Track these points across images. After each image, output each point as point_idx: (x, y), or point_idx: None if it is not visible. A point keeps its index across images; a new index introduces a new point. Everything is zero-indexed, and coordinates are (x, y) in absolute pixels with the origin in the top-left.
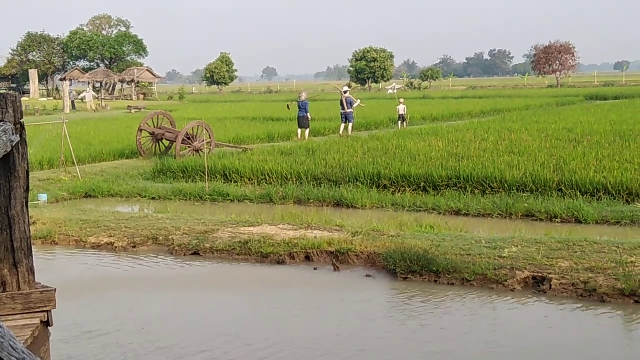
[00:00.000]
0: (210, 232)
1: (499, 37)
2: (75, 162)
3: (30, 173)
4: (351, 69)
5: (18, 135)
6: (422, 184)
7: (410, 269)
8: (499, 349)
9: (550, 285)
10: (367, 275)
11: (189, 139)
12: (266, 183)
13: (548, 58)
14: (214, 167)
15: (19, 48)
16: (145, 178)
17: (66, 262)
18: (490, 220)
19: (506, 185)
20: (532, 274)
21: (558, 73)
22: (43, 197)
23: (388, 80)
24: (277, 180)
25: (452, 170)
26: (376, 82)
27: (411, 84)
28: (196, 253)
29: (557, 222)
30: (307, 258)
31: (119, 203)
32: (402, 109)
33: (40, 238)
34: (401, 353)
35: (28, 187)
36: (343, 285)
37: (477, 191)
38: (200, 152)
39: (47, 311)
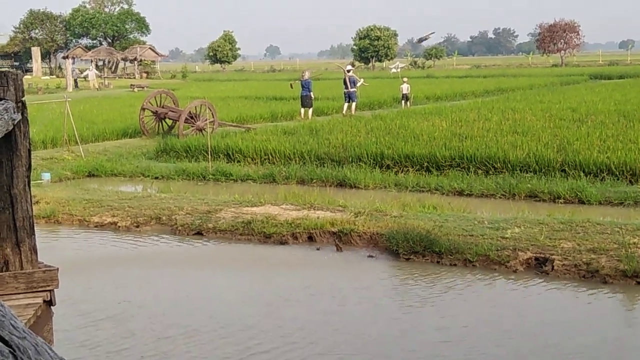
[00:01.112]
0: (213, 212)
1: (504, 15)
2: (78, 141)
3: (33, 152)
4: (354, 47)
5: (19, 114)
6: (425, 164)
7: (413, 249)
8: (505, 333)
9: (553, 267)
10: (370, 256)
11: (191, 118)
12: (269, 163)
13: (552, 37)
14: (217, 146)
15: (21, 26)
16: (148, 157)
17: (69, 242)
18: (493, 201)
19: (509, 166)
20: (534, 255)
21: (562, 52)
22: (46, 176)
23: (392, 59)
24: (280, 160)
25: (456, 150)
26: (380, 60)
27: (415, 62)
28: (199, 233)
29: (560, 202)
30: (310, 238)
31: (122, 182)
32: (405, 88)
33: (43, 217)
34: (407, 340)
35: (30, 165)
36: (346, 265)
37: (480, 171)
38: (203, 131)
39: (49, 290)
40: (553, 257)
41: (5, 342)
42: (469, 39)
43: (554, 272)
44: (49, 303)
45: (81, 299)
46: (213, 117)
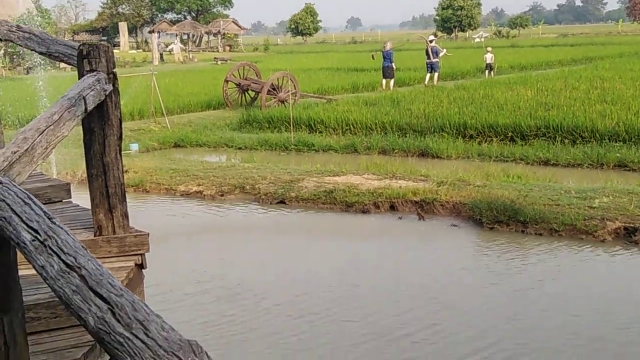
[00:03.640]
0: (296, 181)
1: None
2: (164, 112)
3: (122, 122)
4: (437, 17)
5: (111, 85)
6: (510, 133)
7: (497, 218)
8: (599, 304)
9: None
10: (453, 225)
11: (274, 89)
12: (350, 133)
13: None
14: (299, 117)
15: (109, 1)
16: (231, 128)
17: (158, 209)
18: (580, 171)
19: (597, 135)
20: (623, 224)
21: None
22: (134, 147)
23: (475, 28)
24: (362, 130)
25: (541, 120)
26: (463, 30)
27: (499, 32)
28: (282, 202)
29: None
30: (392, 207)
31: (206, 153)
32: (489, 57)
33: (132, 186)
34: (490, 311)
35: (121, 135)
36: (428, 234)
37: (566, 141)
38: (285, 102)
39: (141, 254)
40: None
41: (104, 299)
42: (556, 7)
43: None
44: (140, 267)
45: (169, 264)
46: (295, 88)
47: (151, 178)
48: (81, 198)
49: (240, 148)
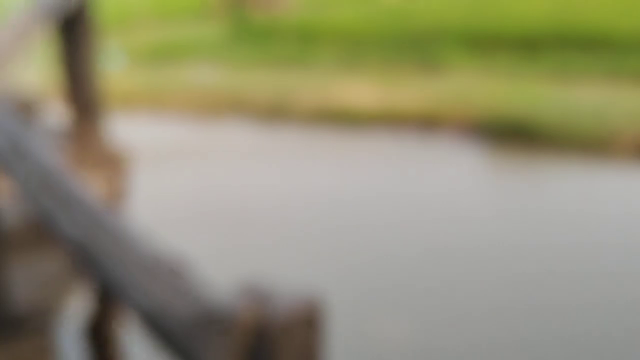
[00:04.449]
0: (291, 96)
1: None
2: (148, 22)
3: (102, 33)
4: None
5: None
6: (519, 43)
7: (504, 134)
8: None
9: None
10: (458, 140)
11: None
12: (349, 44)
13: None
14: (294, 28)
15: None
16: (222, 41)
17: (143, 126)
18: (595, 82)
19: (614, 43)
20: (638, 139)
21: None
22: (117, 59)
23: None
24: (361, 40)
25: (553, 28)
26: None
27: None
28: (277, 117)
29: None
30: (393, 123)
31: (198, 67)
32: None
33: (115, 100)
34: (498, 236)
35: (99, 45)
36: (432, 150)
37: (580, 50)
38: (278, 12)
39: (123, 171)
40: None
41: (86, 213)
42: None
43: None
44: (122, 185)
45: (153, 184)
46: None
47: (136, 93)
48: (60, 112)
49: (232, 61)
